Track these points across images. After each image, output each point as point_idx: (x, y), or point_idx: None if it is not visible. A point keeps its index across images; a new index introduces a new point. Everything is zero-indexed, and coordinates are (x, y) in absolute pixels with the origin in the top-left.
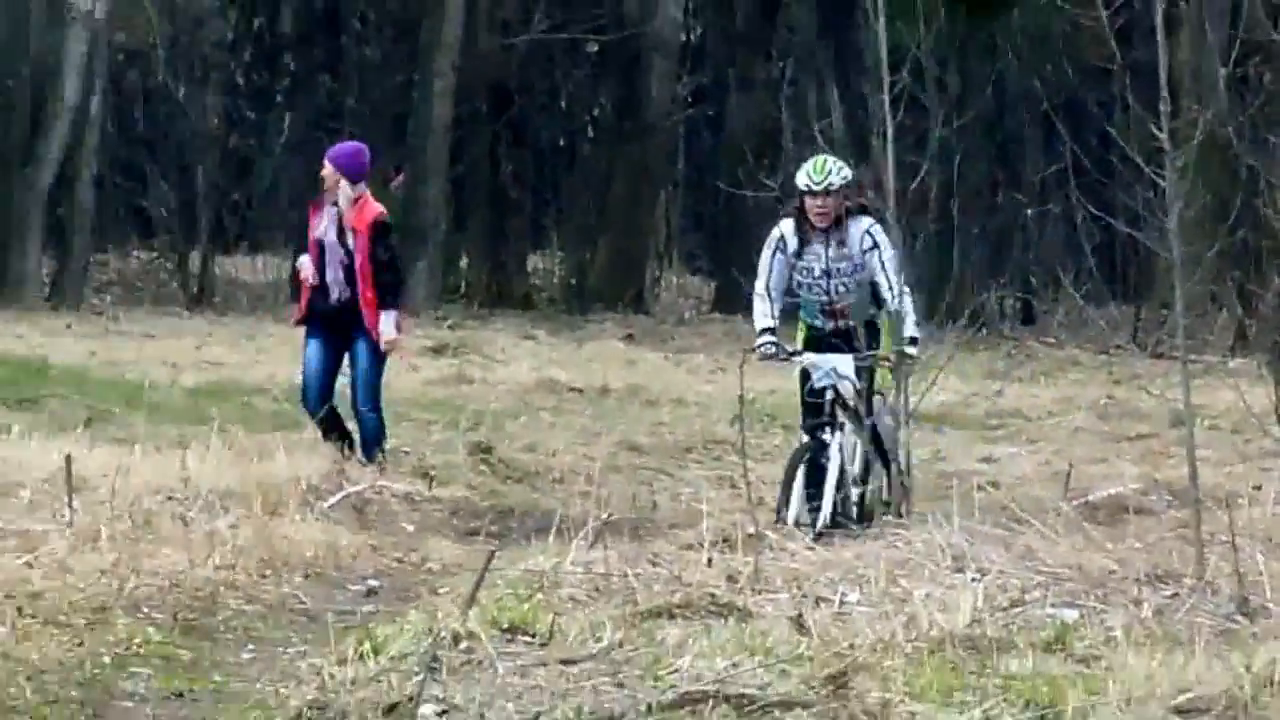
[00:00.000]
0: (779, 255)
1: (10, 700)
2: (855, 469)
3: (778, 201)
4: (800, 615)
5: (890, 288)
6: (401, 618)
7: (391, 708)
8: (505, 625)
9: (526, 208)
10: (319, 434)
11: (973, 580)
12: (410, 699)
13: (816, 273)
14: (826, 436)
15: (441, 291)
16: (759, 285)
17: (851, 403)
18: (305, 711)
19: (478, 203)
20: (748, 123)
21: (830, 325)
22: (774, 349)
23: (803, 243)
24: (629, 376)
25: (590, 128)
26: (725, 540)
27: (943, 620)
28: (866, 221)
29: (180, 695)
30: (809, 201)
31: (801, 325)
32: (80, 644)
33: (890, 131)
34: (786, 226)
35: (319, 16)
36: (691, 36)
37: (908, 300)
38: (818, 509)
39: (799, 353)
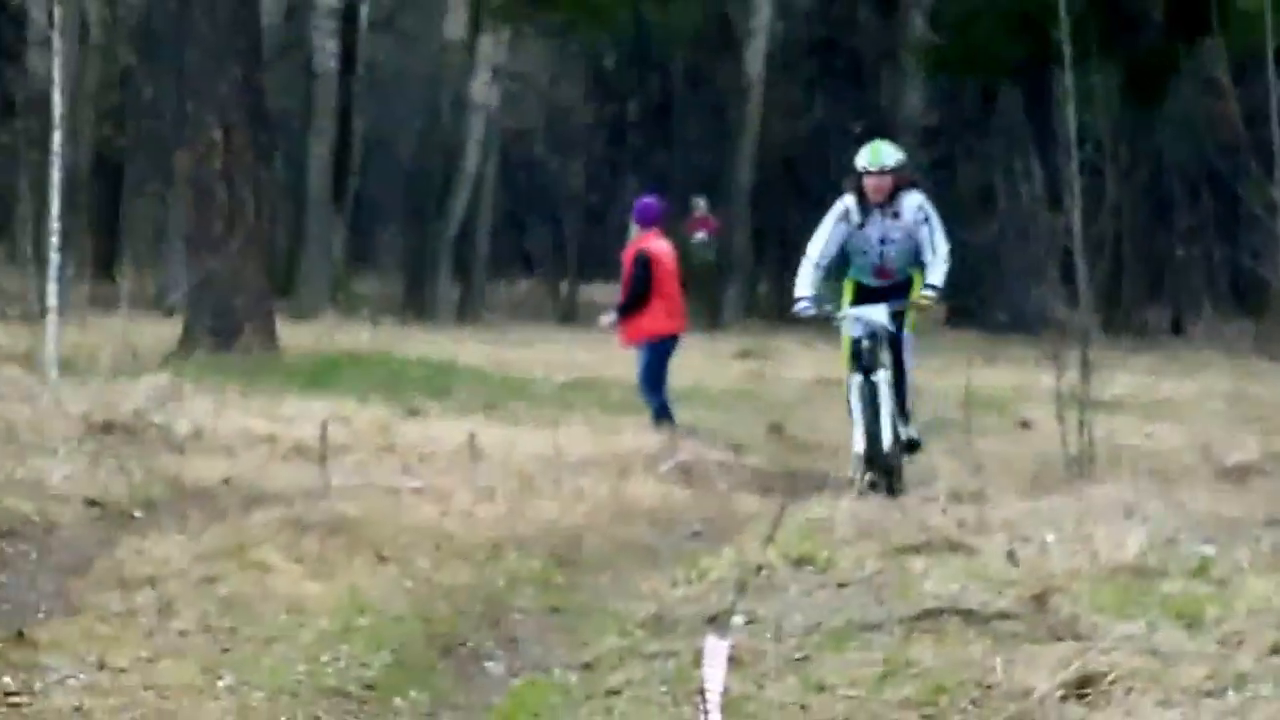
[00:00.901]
0: (841, 224)
1: (431, 612)
2: (891, 404)
3: (995, 243)
4: (1011, 551)
5: (934, 251)
6: (718, 552)
7: (711, 618)
8: (794, 557)
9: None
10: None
11: (1138, 524)
12: (725, 611)
13: (874, 240)
14: (875, 377)
15: (746, 312)
16: (813, 253)
17: (883, 347)
18: (648, 621)
19: (774, 245)
20: (972, 186)
21: (878, 283)
22: (813, 309)
23: (864, 214)
24: None
25: None
26: (955, 495)
27: (1117, 554)
28: (919, 197)
29: (555, 610)
30: (867, 180)
31: (849, 285)
32: (481, 571)
33: (1077, 191)
34: (850, 201)
35: (656, 105)
36: (929, 121)
37: (944, 263)
38: (879, 436)
39: (836, 310)
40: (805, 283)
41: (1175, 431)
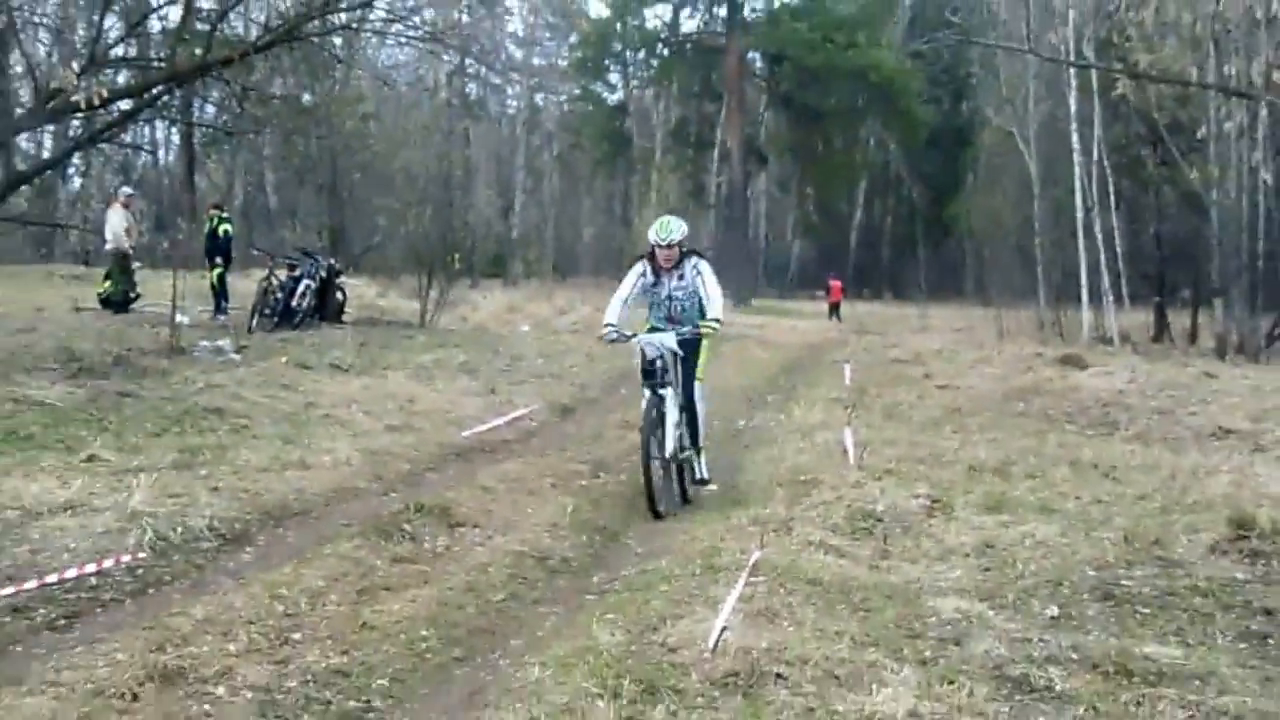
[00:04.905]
0: (639, 281)
1: (787, 364)
2: (676, 415)
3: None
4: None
5: (709, 296)
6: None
7: (847, 408)
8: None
9: None
10: None
11: (940, 343)
12: (845, 421)
13: (663, 295)
14: (663, 392)
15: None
16: (617, 295)
17: (670, 368)
18: (831, 394)
19: (875, 281)
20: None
21: (670, 328)
22: (615, 335)
23: (655, 275)
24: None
25: None
26: (894, 346)
27: (934, 349)
28: (695, 259)
29: (802, 380)
30: (657, 250)
31: (647, 321)
32: (792, 356)
33: (922, 280)
34: (645, 265)
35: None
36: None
37: (719, 302)
38: (664, 444)
39: (634, 335)
40: (610, 312)
41: (951, 324)
